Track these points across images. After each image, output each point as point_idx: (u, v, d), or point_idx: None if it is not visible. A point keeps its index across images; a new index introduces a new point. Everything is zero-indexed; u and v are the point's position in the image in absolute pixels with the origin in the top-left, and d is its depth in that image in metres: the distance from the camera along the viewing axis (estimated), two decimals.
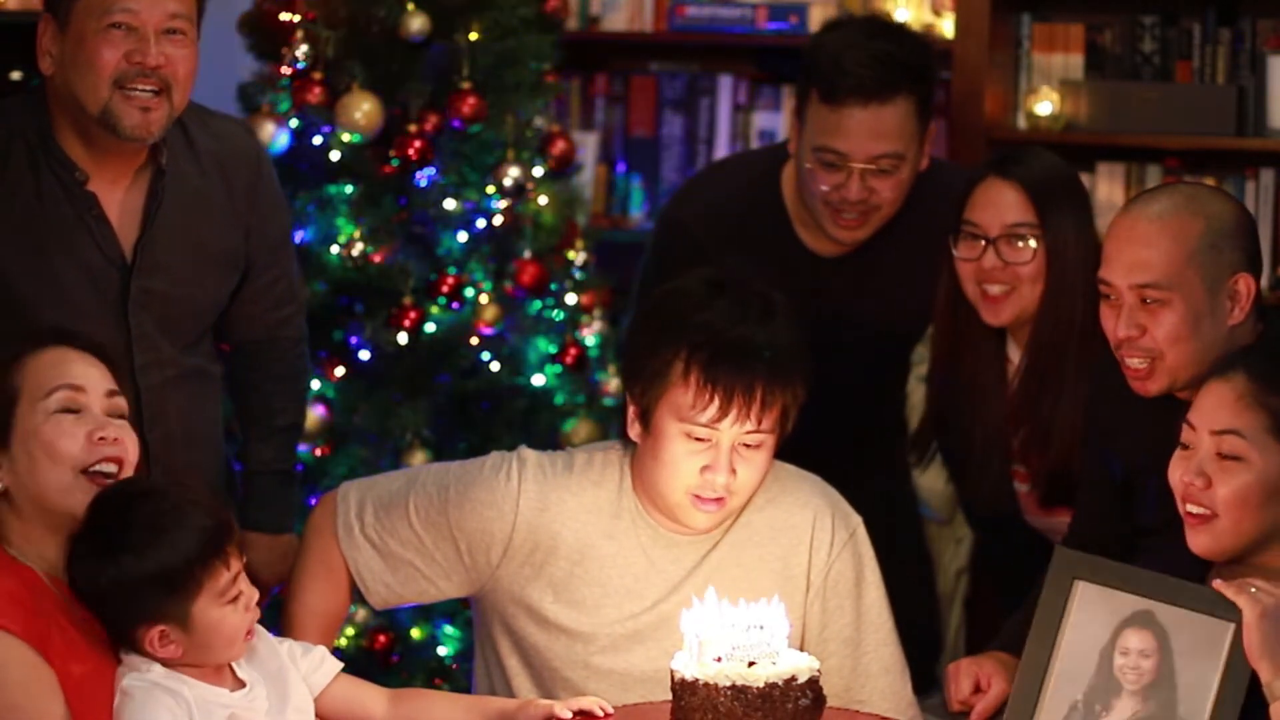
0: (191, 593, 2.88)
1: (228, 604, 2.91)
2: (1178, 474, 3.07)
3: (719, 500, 3.26)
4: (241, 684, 2.97)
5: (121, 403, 3.00)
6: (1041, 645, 3.05)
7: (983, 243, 3.74)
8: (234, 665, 2.98)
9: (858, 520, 3.43)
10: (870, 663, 3.40)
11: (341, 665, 3.12)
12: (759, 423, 3.22)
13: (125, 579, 2.87)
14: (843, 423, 4.00)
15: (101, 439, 2.94)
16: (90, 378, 2.97)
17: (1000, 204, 3.74)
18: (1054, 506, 3.85)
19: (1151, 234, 3.26)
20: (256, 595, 2.96)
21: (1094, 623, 3.03)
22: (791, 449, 3.38)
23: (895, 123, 3.86)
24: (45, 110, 3.39)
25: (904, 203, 3.95)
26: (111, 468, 2.94)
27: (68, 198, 3.38)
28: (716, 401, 3.19)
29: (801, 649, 3.33)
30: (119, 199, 3.41)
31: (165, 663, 2.90)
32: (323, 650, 3.11)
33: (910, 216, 3.96)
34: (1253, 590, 2.94)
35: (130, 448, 2.97)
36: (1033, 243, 3.72)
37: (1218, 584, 2.98)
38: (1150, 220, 3.27)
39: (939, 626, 4.60)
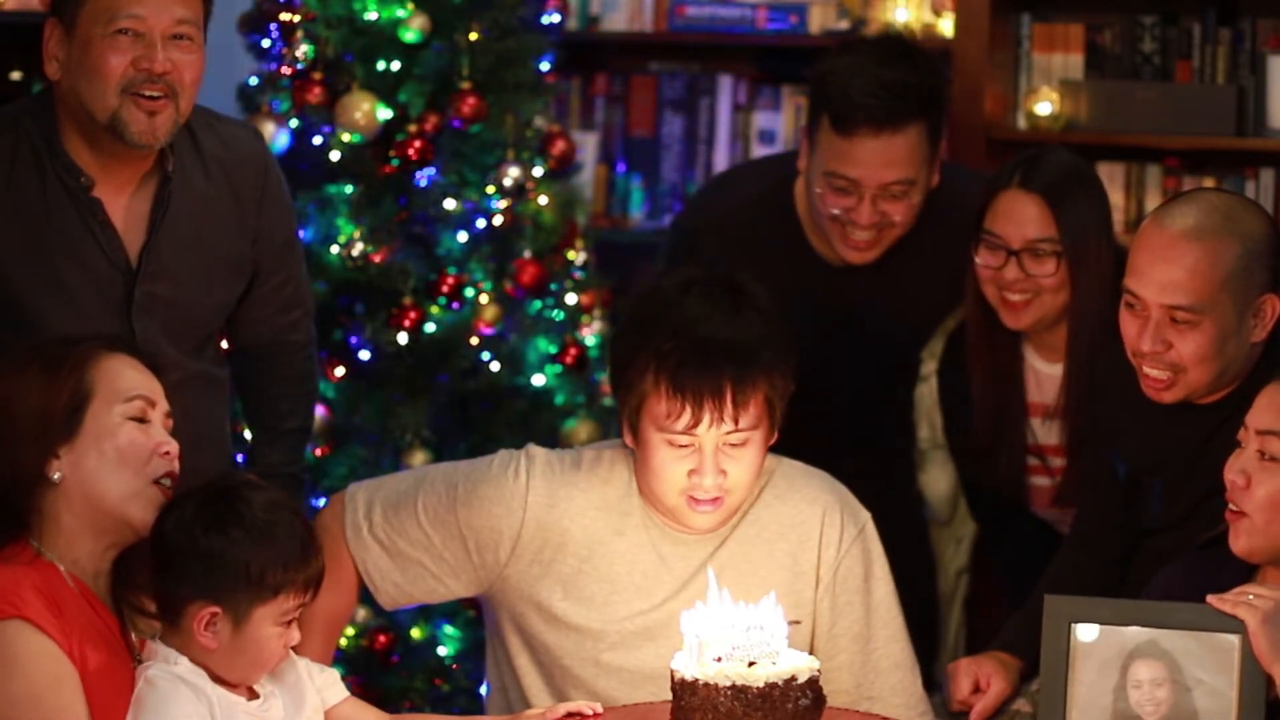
0: (264, 597, 2.90)
1: (280, 626, 2.93)
2: (1227, 471, 3.07)
3: (714, 500, 3.25)
4: (255, 695, 2.98)
5: (170, 424, 3.03)
6: (1054, 697, 3.03)
7: (1004, 253, 3.73)
8: None
9: (866, 516, 3.43)
10: (880, 659, 3.40)
11: (348, 694, 3.13)
12: (736, 422, 3.20)
13: (223, 550, 2.89)
14: (850, 426, 4.00)
15: (166, 453, 2.98)
16: (157, 394, 3.02)
17: (1022, 218, 3.72)
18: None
19: (1187, 254, 3.22)
20: (299, 639, 2.97)
21: (1100, 663, 3.02)
22: (797, 450, 3.38)
23: (907, 150, 3.86)
24: (51, 115, 3.38)
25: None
26: (169, 482, 2.98)
27: (73, 203, 3.37)
28: (688, 409, 3.19)
29: (811, 645, 3.34)
30: (125, 205, 3.41)
31: (192, 659, 2.92)
32: (335, 674, 3.12)
33: (922, 225, 3.95)
34: (1249, 598, 2.94)
35: (177, 469, 3.01)
36: (1055, 257, 3.71)
37: (1213, 600, 2.97)
38: (1187, 239, 3.23)
39: (938, 630, 4.60)
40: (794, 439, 3.37)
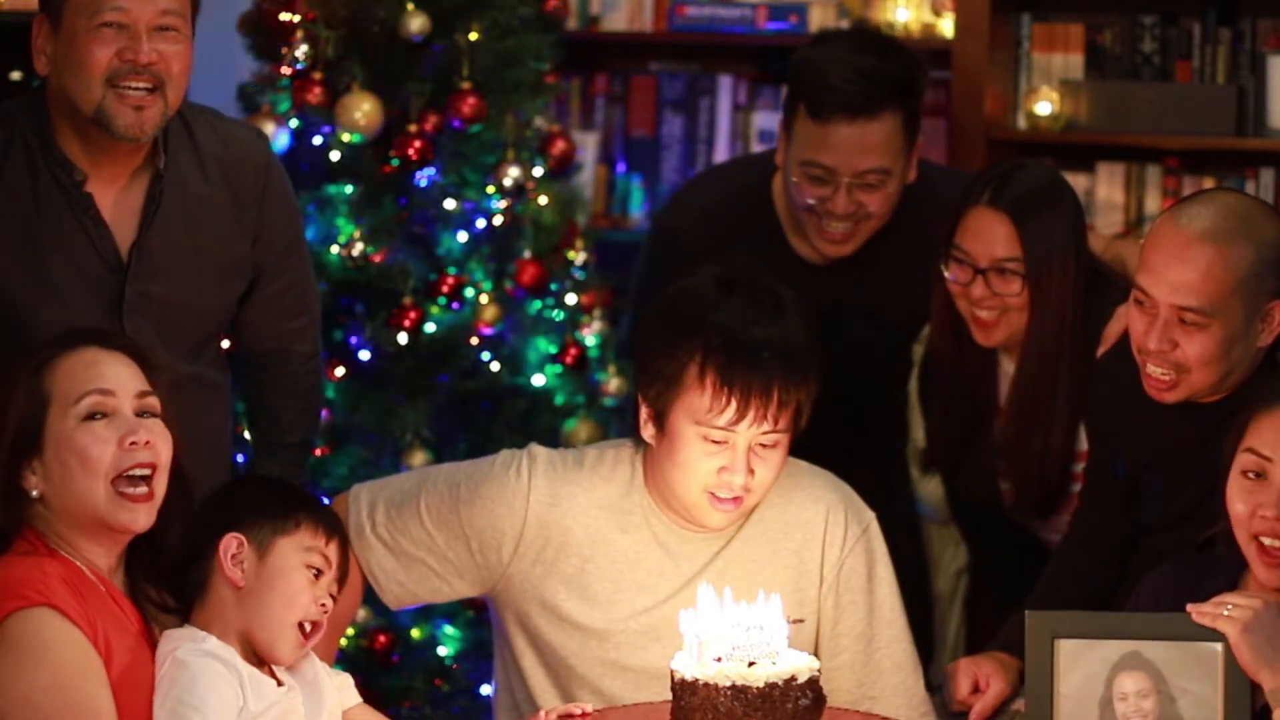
0: (286, 528, 2.99)
1: (306, 567, 2.99)
2: (1248, 506, 3.03)
3: (736, 500, 3.26)
4: (281, 683, 2.99)
5: (154, 401, 2.99)
6: (1040, 712, 3.03)
7: (971, 271, 3.73)
8: (273, 668, 3.00)
9: (871, 516, 3.43)
10: (883, 659, 3.40)
11: (360, 700, 3.14)
12: (776, 423, 3.22)
13: (243, 487, 3.10)
14: (838, 426, 3.99)
15: (133, 443, 2.93)
16: (121, 378, 2.97)
17: (989, 237, 3.71)
18: (1032, 519, 3.87)
19: (1201, 257, 3.21)
20: (330, 602, 3.01)
21: (1085, 677, 3.02)
22: (790, 450, 3.38)
23: (882, 138, 3.87)
24: (44, 111, 3.39)
25: (894, 210, 3.95)
26: (145, 472, 2.95)
27: (65, 199, 3.37)
28: (734, 404, 3.19)
29: (815, 644, 3.34)
30: (115, 200, 3.41)
31: (224, 628, 2.96)
32: (348, 678, 3.13)
33: (901, 223, 3.96)
34: (1227, 611, 2.94)
35: (163, 448, 2.97)
36: (1020, 276, 3.71)
37: (1192, 612, 2.97)
38: (1203, 242, 3.21)
39: (932, 628, 4.60)
40: None
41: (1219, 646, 2.95)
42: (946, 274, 3.76)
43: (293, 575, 2.98)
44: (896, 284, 3.99)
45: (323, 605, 2.99)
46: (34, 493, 2.92)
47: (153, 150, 3.42)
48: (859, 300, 4.03)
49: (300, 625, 2.99)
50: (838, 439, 3.92)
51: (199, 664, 2.89)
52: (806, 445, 3.38)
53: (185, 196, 3.45)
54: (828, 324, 3.91)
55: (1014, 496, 3.87)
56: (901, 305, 4.02)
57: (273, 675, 2.98)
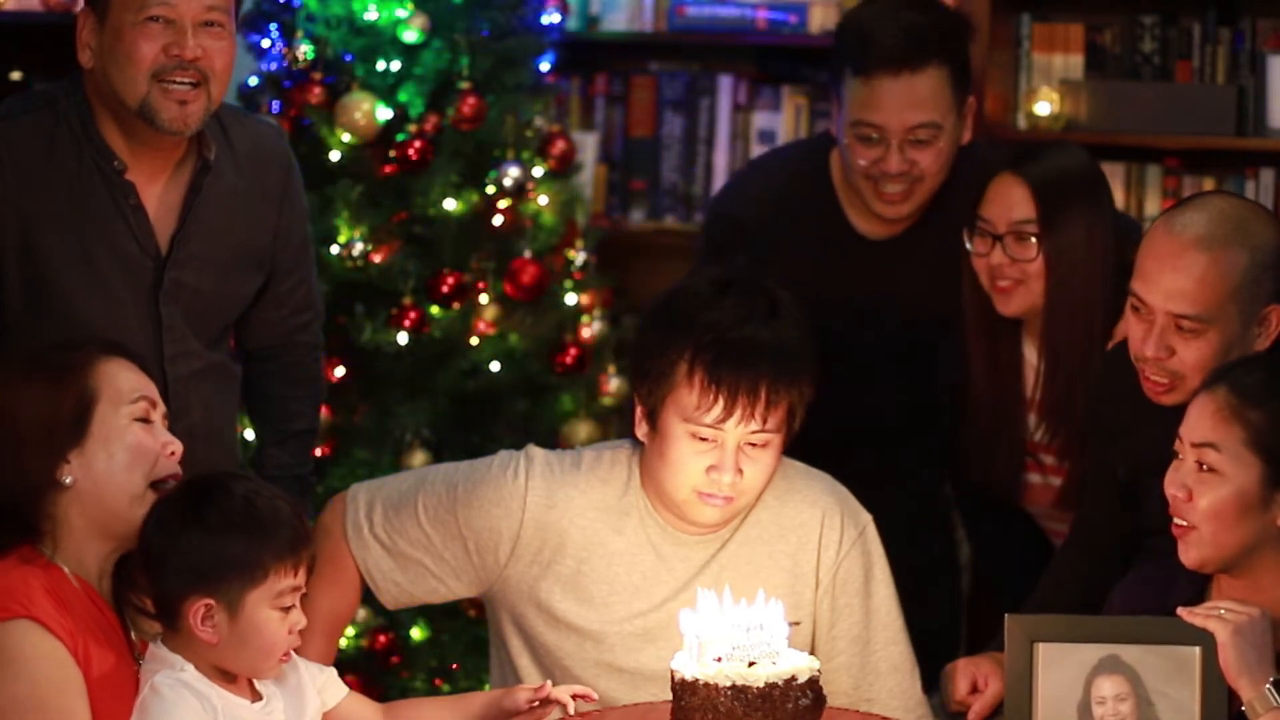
0: (255, 579, 2.89)
1: (278, 610, 2.91)
2: (1168, 485, 3.06)
3: (727, 498, 3.26)
4: (259, 696, 2.97)
5: (167, 425, 3.05)
6: (1019, 716, 3.03)
7: (991, 239, 3.74)
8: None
9: (867, 519, 3.43)
10: (879, 661, 3.40)
11: (348, 691, 3.12)
12: (764, 422, 3.22)
13: (204, 539, 2.89)
14: (880, 413, 4.00)
15: (172, 453, 3.00)
16: (156, 395, 3.04)
17: (1008, 201, 3.73)
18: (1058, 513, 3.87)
19: (1196, 264, 3.20)
20: (304, 623, 2.96)
21: (1063, 681, 3.02)
22: (825, 445, 3.38)
23: (928, 92, 3.88)
24: (85, 100, 3.42)
25: (948, 183, 3.95)
26: (172, 483, 3.00)
27: (106, 186, 3.41)
28: (721, 402, 3.20)
29: (811, 647, 3.34)
30: (157, 192, 3.45)
31: (199, 658, 2.91)
32: (333, 671, 3.12)
33: (954, 197, 3.96)
34: (1221, 612, 2.94)
35: (179, 469, 3.03)
36: (1036, 240, 3.72)
37: (1184, 613, 2.97)
38: (1197, 248, 3.20)
39: (959, 629, 4.58)
40: (820, 426, 3.37)
41: (1196, 651, 2.96)
42: (969, 246, 3.76)
43: (266, 628, 2.91)
44: (949, 257, 3.98)
45: (293, 631, 2.95)
46: (67, 480, 2.94)
47: (198, 142, 3.46)
48: (911, 273, 4.03)
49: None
50: (877, 427, 3.93)
51: (172, 695, 2.87)
52: (842, 435, 3.36)
53: (222, 189, 3.50)
54: (878, 299, 3.93)
55: (1064, 492, 3.86)
56: (953, 280, 4.01)
57: (250, 684, 2.96)
